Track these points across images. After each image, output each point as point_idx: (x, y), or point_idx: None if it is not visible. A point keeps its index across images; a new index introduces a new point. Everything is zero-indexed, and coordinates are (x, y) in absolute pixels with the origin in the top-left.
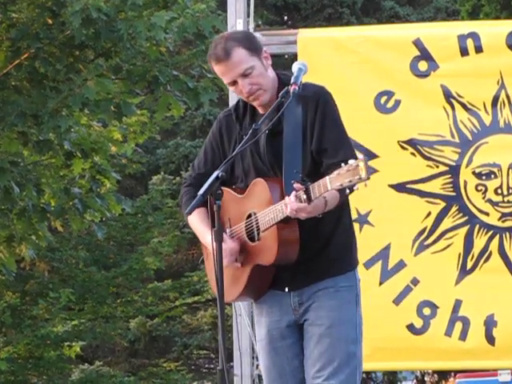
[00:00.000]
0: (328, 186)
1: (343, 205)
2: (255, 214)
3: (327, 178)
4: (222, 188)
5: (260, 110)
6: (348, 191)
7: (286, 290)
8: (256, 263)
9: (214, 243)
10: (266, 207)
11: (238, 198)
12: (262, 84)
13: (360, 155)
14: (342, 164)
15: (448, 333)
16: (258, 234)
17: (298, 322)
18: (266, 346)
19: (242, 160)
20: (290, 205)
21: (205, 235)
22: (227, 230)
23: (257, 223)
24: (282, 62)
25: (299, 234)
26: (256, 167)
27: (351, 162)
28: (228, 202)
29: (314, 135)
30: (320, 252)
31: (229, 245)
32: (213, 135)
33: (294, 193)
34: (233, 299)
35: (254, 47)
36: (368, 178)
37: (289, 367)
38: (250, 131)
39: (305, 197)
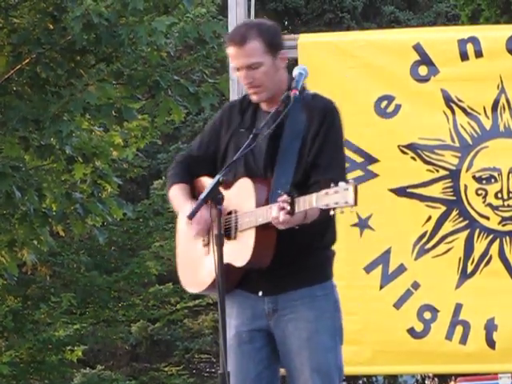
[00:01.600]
0: (313, 203)
1: (329, 221)
2: (236, 212)
3: (314, 195)
4: (205, 177)
5: (263, 106)
6: (332, 212)
7: (260, 294)
8: (227, 262)
9: (215, 247)
10: (249, 208)
11: (222, 191)
12: (264, 83)
13: (351, 180)
14: (332, 184)
15: (448, 336)
16: (235, 232)
17: (270, 329)
18: (234, 349)
19: (235, 153)
20: (273, 214)
21: (184, 205)
22: None
23: (236, 221)
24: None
25: (276, 240)
26: (247, 164)
27: (341, 184)
28: None
29: (313, 147)
30: (297, 260)
31: (204, 214)
32: (214, 122)
33: (278, 204)
34: (199, 291)
35: (273, 44)
36: (355, 205)
37: (254, 372)
38: (251, 136)
39: (288, 208)
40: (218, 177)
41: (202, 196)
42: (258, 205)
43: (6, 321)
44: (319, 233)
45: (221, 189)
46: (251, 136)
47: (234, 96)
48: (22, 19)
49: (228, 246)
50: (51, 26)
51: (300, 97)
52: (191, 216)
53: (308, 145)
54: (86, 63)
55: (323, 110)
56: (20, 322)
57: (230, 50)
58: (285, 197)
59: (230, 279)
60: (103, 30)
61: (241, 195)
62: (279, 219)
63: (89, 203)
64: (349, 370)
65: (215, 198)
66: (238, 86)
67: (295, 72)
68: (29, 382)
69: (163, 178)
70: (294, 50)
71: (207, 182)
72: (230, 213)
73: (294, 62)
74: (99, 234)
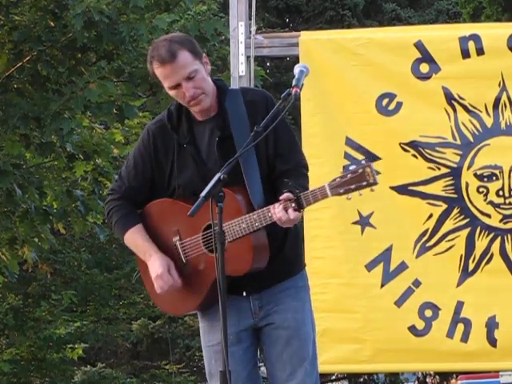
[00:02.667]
0: (328, 193)
1: None
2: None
3: (326, 185)
4: (162, 199)
5: (198, 117)
6: (350, 196)
7: (244, 294)
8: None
9: (217, 245)
10: (234, 217)
11: (190, 208)
12: (205, 88)
13: (363, 162)
14: (350, 168)
15: (450, 334)
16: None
17: (256, 325)
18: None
19: (181, 171)
20: (278, 214)
21: (150, 253)
22: (177, 243)
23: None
24: (284, 65)
25: None
26: (202, 175)
27: (353, 168)
28: (174, 214)
29: (269, 140)
30: (277, 254)
31: (170, 280)
32: (144, 147)
33: (282, 203)
34: (186, 311)
35: (196, 51)
36: (376, 183)
37: (244, 372)
38: (252, 133)
39: (293, 205)
40: (218, 175)
41: (202, 194)
42: (245, 212)
43: (6, 318)
44: None
45: (186, 205)
46: (252, 134)
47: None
48: (22, 17)
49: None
50: (52, 24)
51: (233, 92)
52: (192, 214)
53: (262, 139)
54: (86, 61)
55: (263, 100)
56: (21, 320)
57: (163, 71)
58: (288, 195)
59: (216, 293)
60: (104, 27)
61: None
62: (289, 217)
63: (90, 201)
64: (350, 367)
65: (216, 195)
66: (239, 84)
67: (296, 69)
68: (29, 380)
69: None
70: (296, 47)
71: (164, 205)
72: (208, 227)
73: (295, 60)
74: (100, 232)
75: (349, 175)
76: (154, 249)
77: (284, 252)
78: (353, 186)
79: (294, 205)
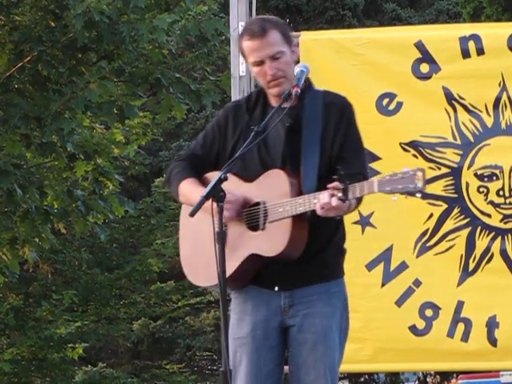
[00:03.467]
0: (375, 188)
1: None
2: (265, 203)
3: (375, 180)
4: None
5: (272, 102)
6: (395, 198)
7: (276, 289)
8: (253, 252)
9: (217, 245)
10: (281, 199)
11: (242, 183)
12: (287, 73)
13: (416, 167)
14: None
15: (450, 334)
16: (264, 223)
17: (284, 324)
18: (248, 345)
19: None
20: (322, 200)
21: (197, 193)
22: None
23: (265, 213)
24: None
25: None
26: (262, 158)
27: (406, 169)
28: (228, 185)
29: (335, 141)
30: (316, 255)
31: (234, 196)
32: (217, 122)
33: (330, 190)
34: (210, 285)
35: (287, 35)
36: (422, 190)
37: (265, 369)
38: (253, 134)
39: (340, 195)
40: (220, 174)
41: (203, 193)
42: (293, 195)
43: (7, 318)
44: (336, 227)
45: (239, 179)
46: (252, 134)
47: (235, 93)
48: (23, 17)
49: (254, 236)
50: (53, 24)
51: (315, 92)
52: (192, 214)
53: (330, 139)
54: (87, 61)
55: (341, 105)
56: (21, 320)
57: (251, 44)
58: (336, 183)
59: (251, 272)
60: (105, 27)
61: (271, 187)
62: (332, 204)
63: (90, 201)
64: (350, 367)
65: (217, 195)
66: (239, 84)
67: (297, 69)
68: (30, 380)
69: (164, 175)
70: (296, 47)
71: (213, 177)
72: (255, 204)
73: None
74: (101, 232)
75: (399, 175)
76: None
77: (325, 254)
78: (400, 187)
79: (340, 194)
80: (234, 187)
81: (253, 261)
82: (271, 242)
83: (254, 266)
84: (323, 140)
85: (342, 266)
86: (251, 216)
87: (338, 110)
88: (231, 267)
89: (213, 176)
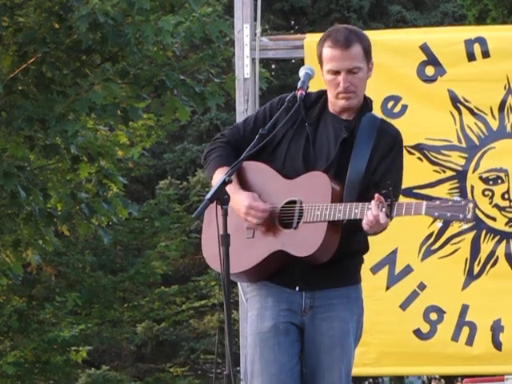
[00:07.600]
0: (422, 210)
1: None
2: (302, 202)
3: (424, 203)
4: (261, 163)
5: (333, 110)
6: (439, 224)
7: (297, 289)
8: (281, 249)
9: (221, 247)
10: (320, 202)
11: (281, 179)
12: (358, 89)
13: (469, 198)
14: (455, 198)
15: (455, 338)
16: (298, 222)
17: (302, 325)
18: (270, 340)
19: (290, 145)
20: (374, 211)
21: (234, 190)
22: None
23: (300, 212)
24: (289, 67)
25: None
26: (306, 159)
27: (457, 198)
28: (266, 177)
29: (378, 168)
30: (340, 260)
31: (262, 205)
32: (270, 108)
33: (378, 203)
34: (234, 272)
35: (369, 52)
36: (471, 222)
37: (289, 364)
38: (258, 136)
39: (385, 210)
40: (223, 177)
41: (207, 196)
42: (334, 201)
43: (11, 321)
44: (365, 240)
45: (279, 174)
46: (257, 136)
47: (239, 96)
48: (27, 18)
49: (285, 233)
50: (57, 26)
51: (373, 115)
52: (197, 216)
53: (374, 163)
54: (91, 62)
55: (394, 137)
56: (25, 322)
57: (332, 52)
58: (381, 197)
59: (273, 268)
60: (109, 29)
61: (312, 188)
62: (379, 219)
63: (94, 203)
64: (355, 370)
65: (221, 198)
66: (244, 86)
67: (301, 72)
68: (33, 383)
69: (169, 177)
70: (301, 49)
71: (261, 167)
72: (291, 202)
73: (300, 62)
74: (104, 235)
75: (450, 202)
76: (238, 187)
77: (347, 261)
78: (448, 214)
79: (385, 209)
80: (273, 181)
81: (278, 257)
82: (303, 242)
83: (278, 262)
84: (370, 161)
85: (359, 274)
86: (284, 213)
87: (390, 140)
88: (256, 258)
89: (250, 166)
